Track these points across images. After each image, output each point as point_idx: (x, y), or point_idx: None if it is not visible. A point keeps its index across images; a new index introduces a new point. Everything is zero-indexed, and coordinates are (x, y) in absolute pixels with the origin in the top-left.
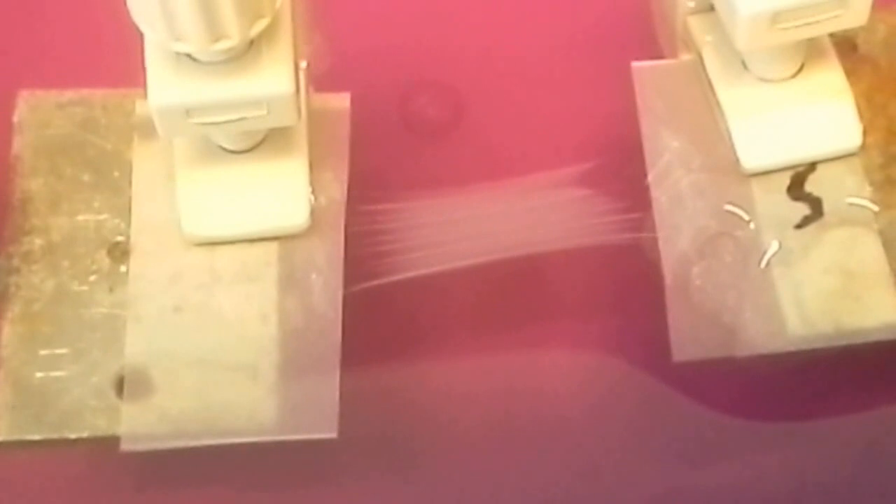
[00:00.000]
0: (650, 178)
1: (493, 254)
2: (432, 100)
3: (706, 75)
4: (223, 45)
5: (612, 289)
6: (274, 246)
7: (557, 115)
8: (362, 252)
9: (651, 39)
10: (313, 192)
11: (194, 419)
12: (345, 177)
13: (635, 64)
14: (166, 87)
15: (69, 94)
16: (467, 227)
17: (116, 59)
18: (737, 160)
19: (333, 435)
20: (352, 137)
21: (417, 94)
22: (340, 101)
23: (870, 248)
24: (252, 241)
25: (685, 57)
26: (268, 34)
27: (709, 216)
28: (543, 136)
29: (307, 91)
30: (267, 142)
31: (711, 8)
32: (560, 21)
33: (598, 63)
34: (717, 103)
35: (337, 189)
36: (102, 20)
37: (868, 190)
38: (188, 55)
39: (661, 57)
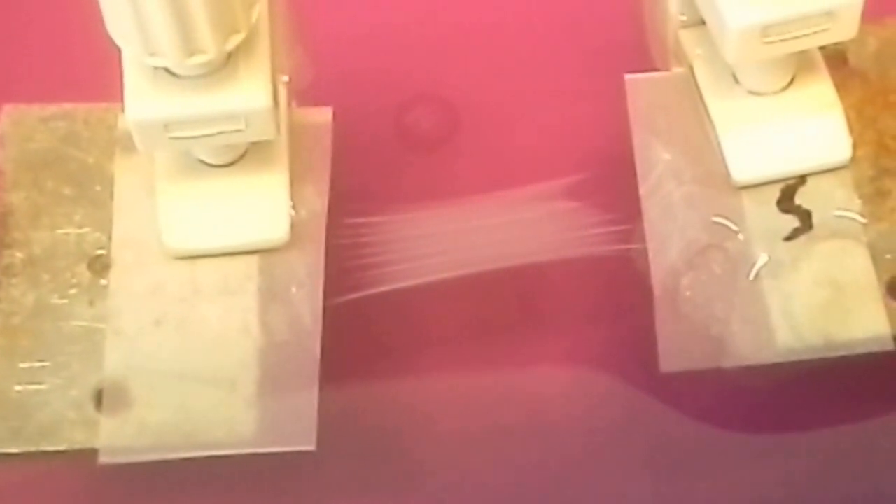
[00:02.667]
0: (642, 190)
1: (480, 265)
2: (421, 113)
3: (697, 88)
4: (198, 59)
5: (602, 300)
6: (254, 259)
7: (548, 128)
8: (347, 265)
9: (643, 53)
10: (294, 205)
11: (173, 432)
12: (326, 190)
13: (628, 76)
14: (144, 102)
15: (52, 109)
16: (455, 240)
17: (99, 73)
18: (727, 173)
19: (311, 447)
20: (338, 151)
21: (405, 107)
22: (322, 116)
23: (858, 261)
24: (232, 254)
25: (677, 70)
26: (245, 48)
27: (699, 228)
28: (534, 149)
29: (288, 105)
30: (248, 156)
31: (702, 22)
32: (552, 33)
33: (591, 76)
34: (708, 116)
35: (318, 202)
36: (86, 35)
37: (857, 203)
38: (166, 69)
39: (653, 70)
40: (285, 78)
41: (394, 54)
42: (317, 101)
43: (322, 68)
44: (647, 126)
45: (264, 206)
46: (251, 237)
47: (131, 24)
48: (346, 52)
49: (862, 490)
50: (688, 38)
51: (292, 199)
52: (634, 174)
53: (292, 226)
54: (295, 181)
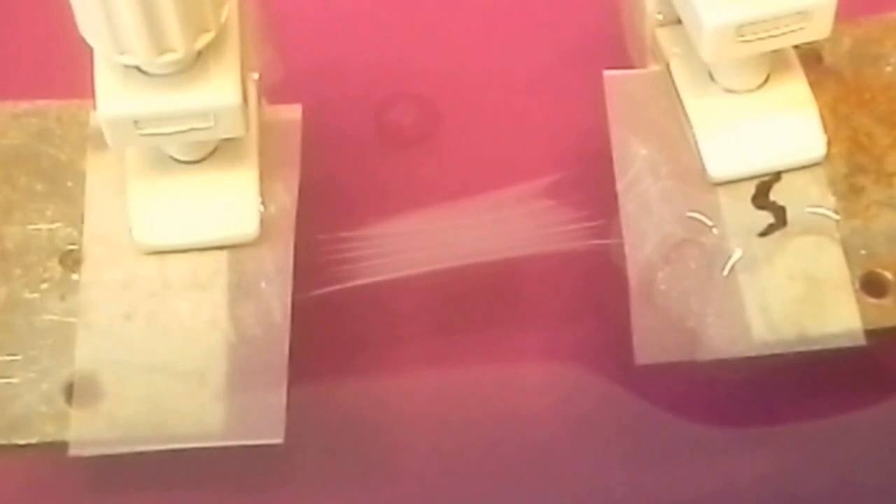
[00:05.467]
0: (619, 185)
1: (456, 261)
2: (396, 111)
3: (674, 86)
4: (168, 58)
5: (579, 294)
6: (224, 255)
7: (527, 124)
8: (318, 260)
9: (622, 51)
10: (263, 201)
11: (143, 425)
12: (295, 187)
13: (607, 73)
14: (115, 99)
15: (25, 106)
16: (430, 236)
17: (72, 71)
18: (703, 169)
19: (279, 440)
20: (313, 148)
21: (381, 105)
22: (292, 113)
23: (832, 257)
24: (202, 249)
25: (654, 68)
26: (215, 47)
27: (675, 223)
28: (513, 145)
29: (258, 103)
30: (218, 152)
31: (679, 20)
32: (531, 31)
33: (569, 73)
34: (685, 113)
35: (287, 199)
36: (58, 34)
37: (831, 199)
38: (137, 68)
39: (631, 68)
40: (255, 75)
41: (369, 52)
42: (290, 99)
43: (298, 65)
44: (625, 123)
45: (234, 203)
46: (221, 233)
47: (102, 23)
48: (321, 49)
49: (834, 482)
50: (665, 37)
51: (261, 195)
52: (612, 170)
53: (261, 222)
54: (264, 178)
